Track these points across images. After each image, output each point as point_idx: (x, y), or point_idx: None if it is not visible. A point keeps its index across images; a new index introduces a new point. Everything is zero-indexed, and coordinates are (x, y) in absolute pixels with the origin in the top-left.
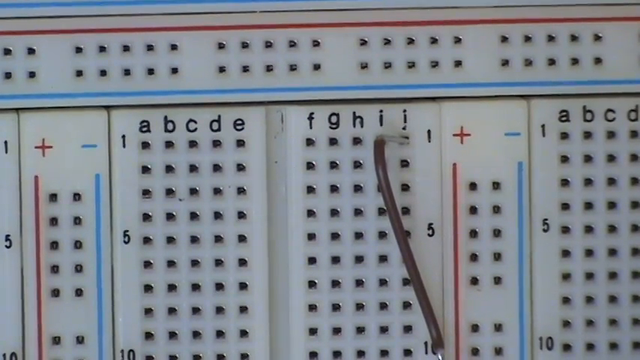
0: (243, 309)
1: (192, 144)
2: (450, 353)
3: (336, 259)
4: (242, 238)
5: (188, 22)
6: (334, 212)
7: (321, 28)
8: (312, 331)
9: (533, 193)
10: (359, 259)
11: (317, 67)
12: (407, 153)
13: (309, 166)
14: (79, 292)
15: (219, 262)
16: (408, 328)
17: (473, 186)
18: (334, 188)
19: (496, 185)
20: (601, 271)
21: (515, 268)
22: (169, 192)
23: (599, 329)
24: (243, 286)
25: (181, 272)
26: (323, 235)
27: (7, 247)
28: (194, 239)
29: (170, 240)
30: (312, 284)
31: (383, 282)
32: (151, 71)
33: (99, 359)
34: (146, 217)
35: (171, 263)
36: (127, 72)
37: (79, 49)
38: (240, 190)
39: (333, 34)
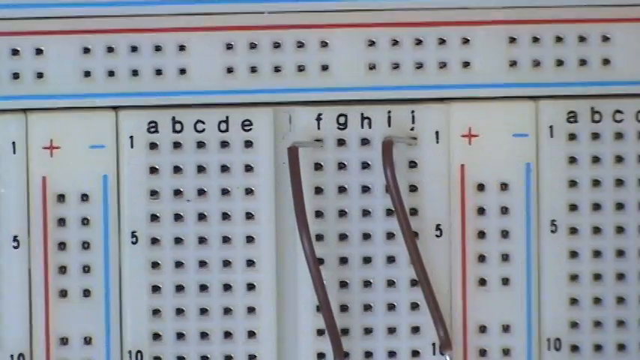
0: (251, 310)
1: (200, 145)
2: (457, 354)
3: (343, 260)
4: (250, 239)
5: (196, 23)
6: (342, 213)
7: (329, 29)
8: (320, 332)
9: (541, 194)
10: (367, 260)
11: (325, 67)
12: (415, 154)
13: (317, 167)
14: (86, 293)
15: (226, 263)
16: (415, 329)
17: (481, 187)
18: (342, 189)
19: (504, 186)
20: (609, 272)
21: (522, 269)
22: (177, 193)
23: (607, 330)
24: (250, 286)
25: (189, 273)
26: (331, 236)
27: (15, 247)
28: (202, 240)
29: (178, 241)
30: None
31: (391, 283)
32: (158, 72)
33: None
34: (154, 217)
35: (178, 264)
36: (134, 73)
37: (86, 50)
38: (248, 191)
39: (341, 34)
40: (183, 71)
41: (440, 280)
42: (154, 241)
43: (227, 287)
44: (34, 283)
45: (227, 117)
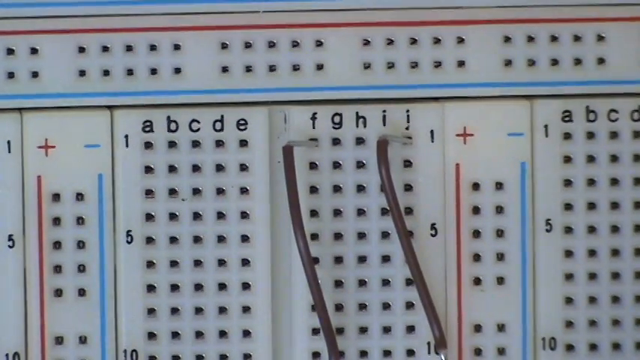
0: (246, 309)
1: (195, 144)
2: (452, 353)
3: (338, 259)
4: (245, 238)
5: (191, 22)
6: (337, 212)
7: (324, 28)
8: (315, 331)
9: (535, 193)
10: (362, 259)
11: (320, 67)
12: (410, 153)
13: (312, 166)
14: (81, 292)
15: (221, 262)
16: (410, 329)
17: (476, 186)
18: (337, 188)
19: (499, 185)
20: (604, 271)
21: (517, 268)
22: (172, 192)
23: (602, 329)
24: (245, 286)
25: (184, 272)
26: (326, 235)
27: (10, 246)
28: (197, 239)
29: (173, 240)
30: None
31: (386, 282)
32: (153, 71)
33: (102, 359)
34: (149, 217)
35: (173, 263)
36: (129, 72)
37: (81, 49)
38: (243, 190)
39: (336, 34)
40: (178, 70)
41: (435, 280)
42: (149, 240)
43: (222, 286)
44: (29, 283)
45: (222, 116)
